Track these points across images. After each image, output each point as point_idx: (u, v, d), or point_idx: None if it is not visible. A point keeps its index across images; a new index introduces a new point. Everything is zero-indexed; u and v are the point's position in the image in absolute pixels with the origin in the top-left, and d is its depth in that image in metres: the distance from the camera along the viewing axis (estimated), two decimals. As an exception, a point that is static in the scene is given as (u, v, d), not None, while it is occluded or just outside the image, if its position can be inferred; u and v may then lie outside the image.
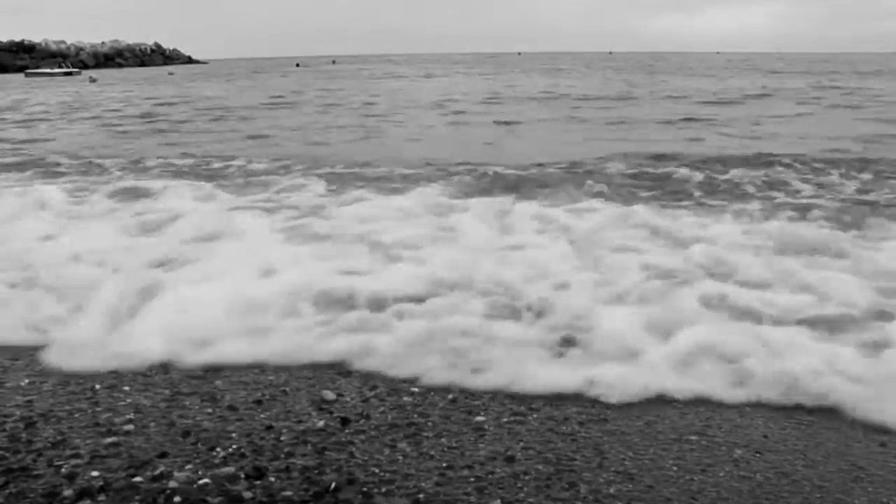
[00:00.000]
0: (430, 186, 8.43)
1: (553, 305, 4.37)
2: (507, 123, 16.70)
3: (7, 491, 2.62)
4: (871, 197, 7.77)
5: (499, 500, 2.58)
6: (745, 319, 4.17)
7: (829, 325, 4.06)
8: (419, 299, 4.48)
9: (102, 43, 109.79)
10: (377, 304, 4.40)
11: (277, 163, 10.77)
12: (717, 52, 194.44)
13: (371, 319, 4.19)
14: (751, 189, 8.26)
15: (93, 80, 51.33)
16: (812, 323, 4.10)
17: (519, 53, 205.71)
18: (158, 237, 6.18)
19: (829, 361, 3.56)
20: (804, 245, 5.63)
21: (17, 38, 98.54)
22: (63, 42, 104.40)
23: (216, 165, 10.83)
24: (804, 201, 7.58)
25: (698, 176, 9.02)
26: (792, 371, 3.46)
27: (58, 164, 11.23)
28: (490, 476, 2.74)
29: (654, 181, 8.77)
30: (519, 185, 8.47)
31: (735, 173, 9.14)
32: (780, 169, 9.55)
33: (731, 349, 3.71)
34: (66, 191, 8.44)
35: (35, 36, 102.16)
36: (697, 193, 8.11)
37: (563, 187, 8.29)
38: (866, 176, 9.01)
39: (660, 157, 10.52)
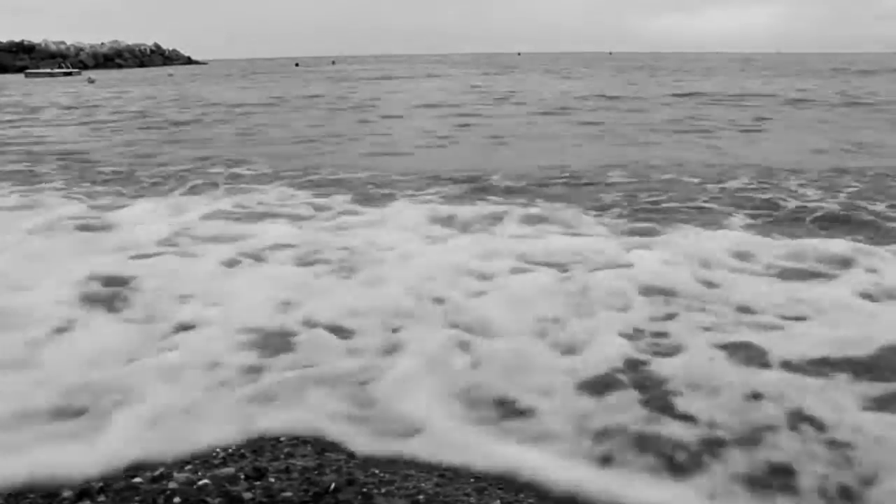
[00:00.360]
0: (413, 198, 8.14)
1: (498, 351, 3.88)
2: (505, 131, 16.56)
3: (7, 491, 2.62)
4: (877, 207, 7.48)
5: (498, 501, 2.58)
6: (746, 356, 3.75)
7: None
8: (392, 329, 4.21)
9: (102, 44, 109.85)
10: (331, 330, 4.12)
11: (266, 169, 10.65)
12: (717, 53, 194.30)
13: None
14: (755, 200, 7.95)
15: (91, 81, 51.32)
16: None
17: (518, 54, 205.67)
18: (101, 257, 5.80)
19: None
20: (812, 261, 5.41)
21: (17, 39, 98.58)
22: (63, 43, 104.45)
23: (206, 171, 10.79)
24: (810, 210, 7.39)
25: (699, 186, 8.86)
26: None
27: (44, 171, 11.09)
28: (489, 475, 2.74)
29: (654, 192, 8.45)
30: (509, 197, 8.19)
31: (738, 183, 8.94)
32: (784, 176, 9.36)
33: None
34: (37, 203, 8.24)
35: (35, 36, 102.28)
36: (698, 205, 7.79)
37: (556, 199, 8.01)
38: (871, 184, 8.82)
39: (660, 166, 10.26)
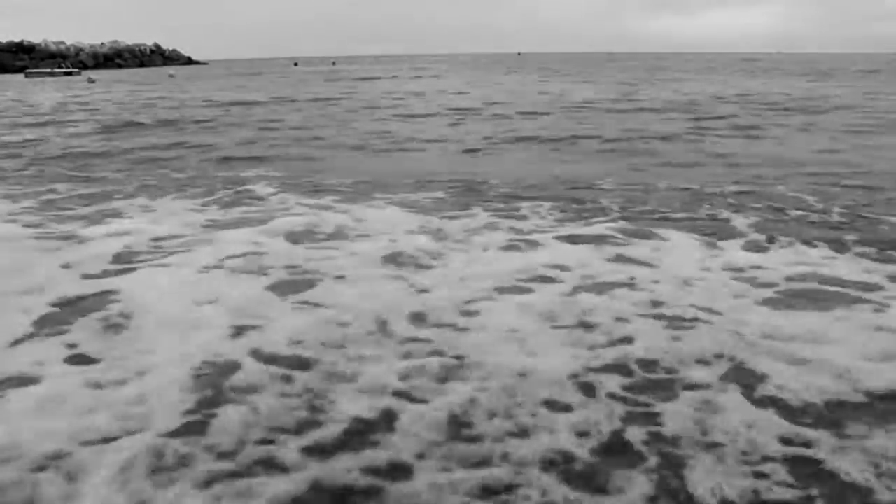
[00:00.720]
0: (398, 206, 7.96)
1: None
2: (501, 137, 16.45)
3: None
4: (888, 217, 7.12)
5: None
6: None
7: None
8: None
9: (102, 44, 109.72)
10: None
11: (259, 171, 10.60)
12: (717, 53, 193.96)
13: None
14: (760, 208, 7.67)
15: (91, 82, 51.28)
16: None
17: (519, 54, 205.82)
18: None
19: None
20: (821, 281, 5.07)
21: (17, 39, 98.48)
22: (63, 43, 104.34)
23: (202, 174, 10.72)
24: (816, 220, 7.11)
25: (700, 192, 8.62)
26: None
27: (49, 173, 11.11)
28: None
29: (655, 200, 8.13)
30: (501, 205, 7.94)
31: (743, 189, 8.67)
32: (788, 182, 9.10)
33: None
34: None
35: (35, 36, 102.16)
36: (700, 214, 7.49)
37: (551, 208, 7.75)
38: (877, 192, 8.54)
39: (662, 173, 10.03)
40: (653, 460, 2.90)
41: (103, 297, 4.94)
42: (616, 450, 2.97)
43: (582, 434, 3.07)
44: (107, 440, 3.07)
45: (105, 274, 5.51)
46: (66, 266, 5.71)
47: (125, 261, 5.88)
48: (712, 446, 2.96)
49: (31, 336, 4.28)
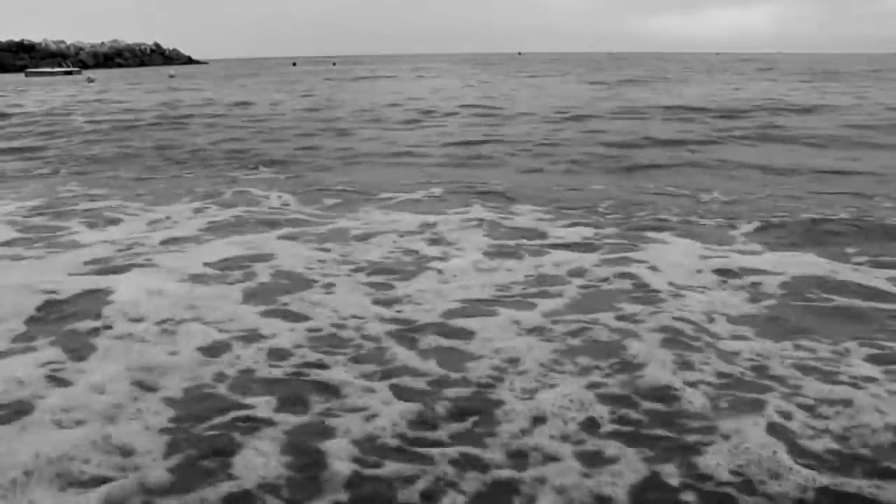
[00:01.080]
0: (385, 210, 7.87)
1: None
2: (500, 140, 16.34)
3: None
4: None
5: None
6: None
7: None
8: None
9: (102, 43, 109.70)
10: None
11: (261, 176, 10.59)
12: (717, 53, 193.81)
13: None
14: (763, 214, 7.57)
15: (91, 81, 51.23)
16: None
17: (519, 53, 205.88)
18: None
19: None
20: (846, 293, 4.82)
21: (17, 38, 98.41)
22: (63, 42, 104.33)
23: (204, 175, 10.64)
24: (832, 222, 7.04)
25: (697, 198, 8.52)
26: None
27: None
28: None
29: (643, 208, 7.92)
30: (494, 209, 7.84)
31: (747, 195, 8.56)
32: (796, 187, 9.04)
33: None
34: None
35: (35, 36, 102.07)
36: (703, 218, 7.40)
37: (547, 215, 7.56)
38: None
39: (658, 178, 10.00)
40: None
41: (84, 303, 4.82)
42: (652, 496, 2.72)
43: (614, 475, 2.83)
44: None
45: (90, 277, 5.42)
46: (55, 268, 5.63)
47: (113, 264, 5.80)
48: (744, 482, 2.77)
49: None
